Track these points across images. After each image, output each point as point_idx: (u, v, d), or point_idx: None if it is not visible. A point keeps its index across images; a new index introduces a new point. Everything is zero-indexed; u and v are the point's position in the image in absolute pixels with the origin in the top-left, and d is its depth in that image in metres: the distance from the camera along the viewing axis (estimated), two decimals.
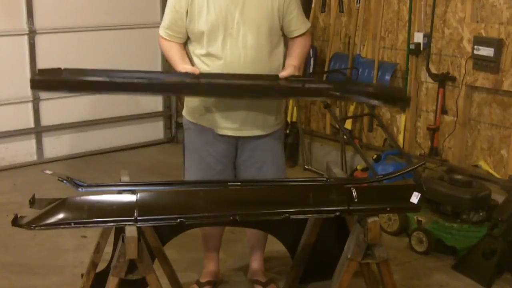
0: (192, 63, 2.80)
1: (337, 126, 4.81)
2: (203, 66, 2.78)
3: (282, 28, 2.83)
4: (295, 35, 2.86)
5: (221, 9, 2.70)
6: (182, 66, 2.73)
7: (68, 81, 2.63)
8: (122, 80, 2.67)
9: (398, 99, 2.63)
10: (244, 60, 2.73)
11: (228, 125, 2.83)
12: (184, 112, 2.97)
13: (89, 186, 2.39)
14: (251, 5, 2.72)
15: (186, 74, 2.69)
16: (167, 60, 2.90)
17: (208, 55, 2.77)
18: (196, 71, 2.70)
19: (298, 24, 2.85)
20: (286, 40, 2.90)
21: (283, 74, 2.72)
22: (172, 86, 2.77)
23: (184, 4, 2.74)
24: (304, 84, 2.72)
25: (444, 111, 4.20)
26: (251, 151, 2.91)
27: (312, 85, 2.78)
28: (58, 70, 2.62)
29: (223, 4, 2.70)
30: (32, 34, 4.82)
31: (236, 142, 2.90)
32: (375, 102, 2.76)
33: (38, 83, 2.69)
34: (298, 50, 2.87)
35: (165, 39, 2.84)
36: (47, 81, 2.62)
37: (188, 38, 2.83)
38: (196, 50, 2.81)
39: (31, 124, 5.00)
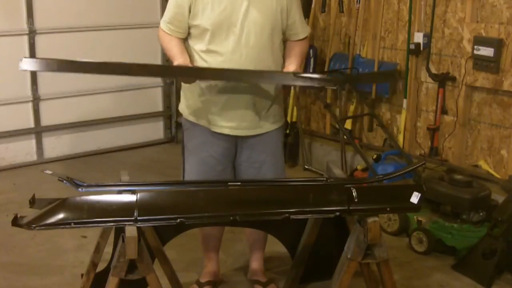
0: (191, 59, 2.81)
1: (337, 126, 4.81)
2: (202, 62, 2.78)
3: (284, 31, 2.85)
4: (295, 38, 2.89)
5: (226, 7, 2.71)
6: (178, 61, 2.75)
7: (58, 60, 2.70)
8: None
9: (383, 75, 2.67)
10: (245, 58, 2.74)
11: (225, 123, 2.83)
12: (182, 111, 2.97)
13: (89, 186, 2.40)
14: (256, 5, 2.72)
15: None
16: (165, 51, 2.91)
17: (208, 51, 2.77)
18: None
19: (300, 29, 2.88)
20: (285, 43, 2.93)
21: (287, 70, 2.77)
22: (167, 68, 2.83)
23: (187, 0, 2.75)
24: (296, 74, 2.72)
25: (444, 111, 4.20)
26: (250, 151, 2.91)
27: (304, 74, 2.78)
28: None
29: (228, 3, 2.71)
30: (32, 34, 4.82)
31: (235, 142, 2.90)
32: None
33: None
34: (297, 50, 2.90)
35: (166, 32, 2.84)
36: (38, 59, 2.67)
37: (188, 33, 2.83)
38: (196, 45, 2.81)
39: (31, 124, 5.00)
